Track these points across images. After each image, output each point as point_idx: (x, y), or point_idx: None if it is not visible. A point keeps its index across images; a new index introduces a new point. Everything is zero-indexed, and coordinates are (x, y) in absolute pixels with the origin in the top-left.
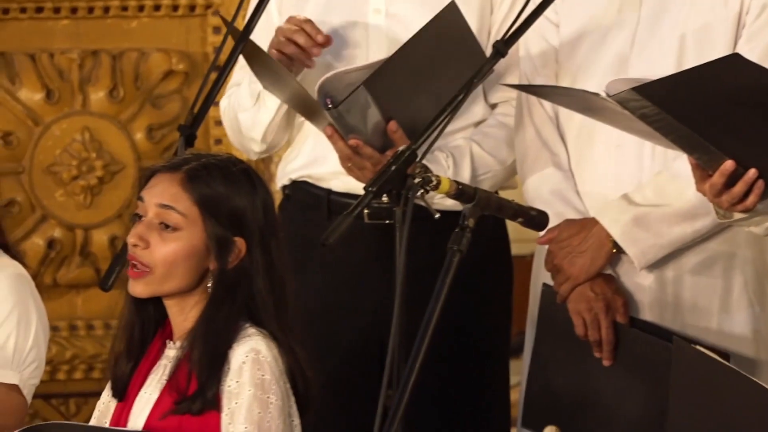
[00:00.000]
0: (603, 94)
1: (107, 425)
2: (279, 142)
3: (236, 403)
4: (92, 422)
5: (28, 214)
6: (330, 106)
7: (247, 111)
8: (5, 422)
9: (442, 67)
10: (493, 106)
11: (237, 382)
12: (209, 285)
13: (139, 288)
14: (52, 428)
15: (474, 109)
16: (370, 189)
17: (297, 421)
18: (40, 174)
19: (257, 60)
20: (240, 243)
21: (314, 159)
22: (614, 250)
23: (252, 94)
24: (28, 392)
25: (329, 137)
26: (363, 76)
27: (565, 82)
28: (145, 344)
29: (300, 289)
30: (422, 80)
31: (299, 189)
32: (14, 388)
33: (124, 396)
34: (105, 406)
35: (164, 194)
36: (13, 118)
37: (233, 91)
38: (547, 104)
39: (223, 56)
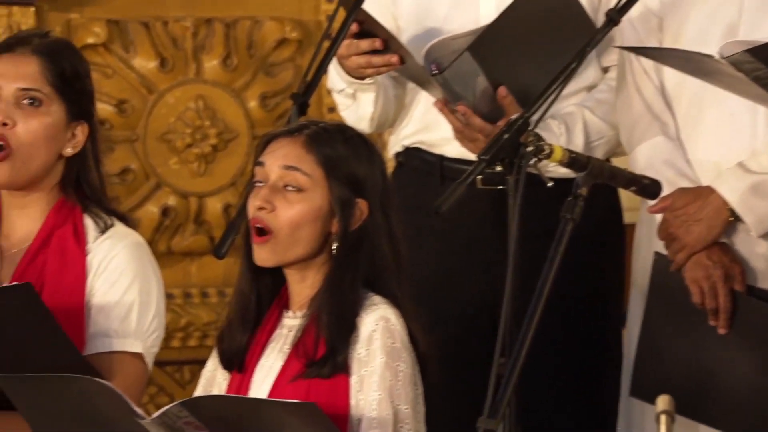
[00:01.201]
0: (717, 56)
1: (217, 392)
2: (392, 119)
3: (366, 370)
4: (198, 390)
5: (142, 182)
6: (436, 71)
7: (349, 109)
8: (130, 391)
9: (546, 32)
10: (605, 70)
11: (367, 349)
12: (333, 248)
13: (264, 254)
14: (211, 401)
15: (586, 74)
16: (483, 157)
17: (421, 389)
18: (154, 142)
19: (369, 29)
20: (362, 204)
21: (426, 125)
22: (731, 219)
23: (347, 96)
24: (149, 360)
25: (440, 110)
26: (469, 42)
27: None
28: (261, 314)
29: (414, 255)
30: (526, 46)
31: (412, 156)
32: (138, 357)
33: (243, 367)
34: (211, 374)
35: (288, 156)
36: (128, 86)
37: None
38: (653, 73)
39: (336, 24)
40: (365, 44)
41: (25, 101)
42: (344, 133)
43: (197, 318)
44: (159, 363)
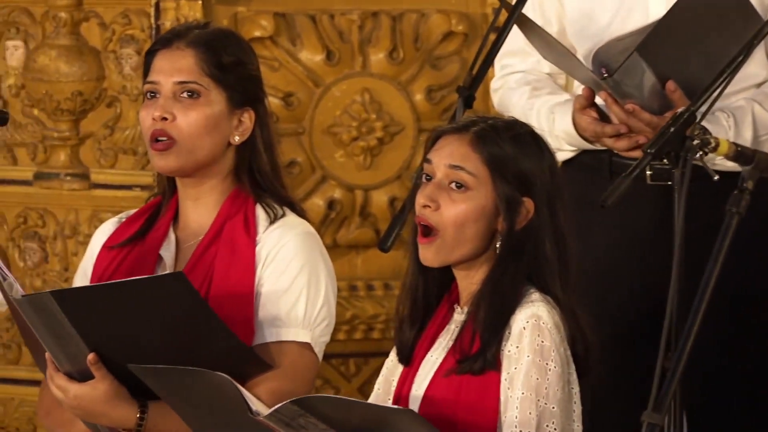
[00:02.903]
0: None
1: (394, 384)
2: None
3: (515, 368)
4: (380, 380)
5: (308, 174)
6: (605, 75)
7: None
8: (298, 380)
9: (712, 26)
10: None
11: (517, 347)
12: (497, 246)
13: (429, 255)
14: (320, 402)
15: (755, 70)
16: (649, 150)
17: (576, 389)
18: (320, 135)
19: (527, 26)
20: (528, 203)
21: None
22: None
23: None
24: (319, 350)
25: (604, 101)
26: (635, 42)
27: None
28: (430, 308)
29: (582, 250)
30: (693, 41)
31: (581, 151)
32: (306, 347)
33: (410, 361)
34: (393, 365)
35: (454, 155)
36: (294, 80)
37: (506, 84)
38: None
39: (502, 17)
40: (609, 129)
41: (183, 94)
42: (513, 130)
43: (363, 311)
44: (324, 356)
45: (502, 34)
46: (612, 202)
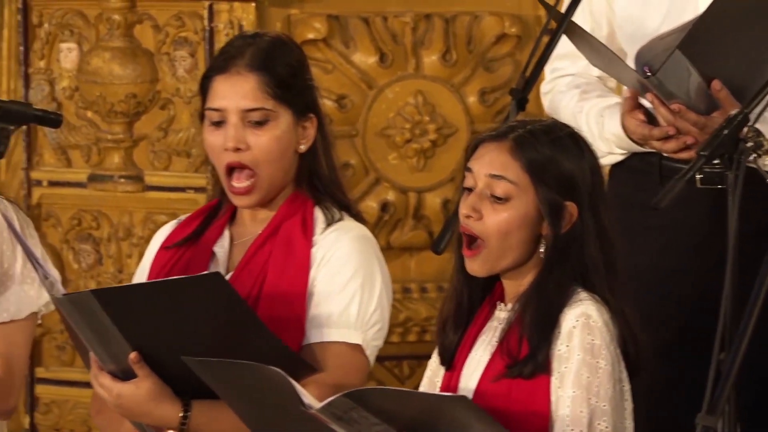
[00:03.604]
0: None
1: (438, 386)
2: None
3: (566, 367)
4: (423, 382)
5: (361, 177)
6: (649, 74)
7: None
8: (348, 382)
9: (755, 22)
10: None
11: (567, 346)
12: (542, 251)
13: (476, 266)
14: (374, 394)
15: None
16: (702, 153)
17: (627, 387)
18: (374, 137)
19: (575, 33)
20: (571, 207)
21: None
22: None
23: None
24: (371, 353)
25: (651, 102)
26: (677, 39)
27: None
28: (473, 311)
29: (631, 253)
30: (736, 37)
31: (631, 154)
32: (358, 349)
33: (452, 364)
34: (436, 366)
35: (494, 164)
36: (347, 82)
37: (556, 87)
38: None
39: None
40: (657, 132)
41: (252, 120)
42: (552, 133)
43: (416, 313)
44: (378, 358)
45: (554, 38)
46: (665, 205)
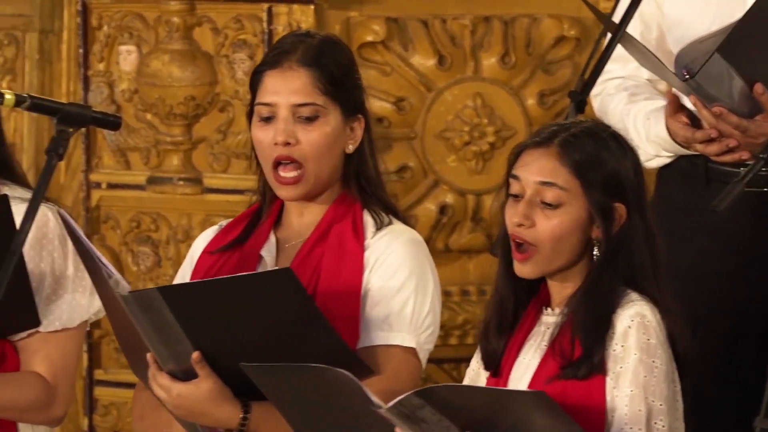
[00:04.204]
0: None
1: None
2: None
3: (621, 367)
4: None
5: (420, 179)
6: (687, 77)
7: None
8: (401, 385)
9: None
10: None
11: (622, 346)
12: (594, 254)
13: (527, 270)
14: (443, 390)
15: None
16: (762, 156)
17: (679, 387)
18: (432, 140)
19: (624, 38)
20: (620, 208)
21: None
22: None
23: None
24: (423, 357)
25: (694, 105)
26: (716, 43)
27: None
28: (518, 316)
29: (678, 255)
30: None
31: (677, 156)
32: (411, 352)
33: (499, 371)
34: (475, 373)
35: (543, 171)
36: (406, 84)
37: (606, 90)
38: None
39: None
40: (700, 135)
41: (302, 116)
42: (595, 134)
43: (475, 316)
44: (437, 360)
45: (615, 36)
46: (724, 207)
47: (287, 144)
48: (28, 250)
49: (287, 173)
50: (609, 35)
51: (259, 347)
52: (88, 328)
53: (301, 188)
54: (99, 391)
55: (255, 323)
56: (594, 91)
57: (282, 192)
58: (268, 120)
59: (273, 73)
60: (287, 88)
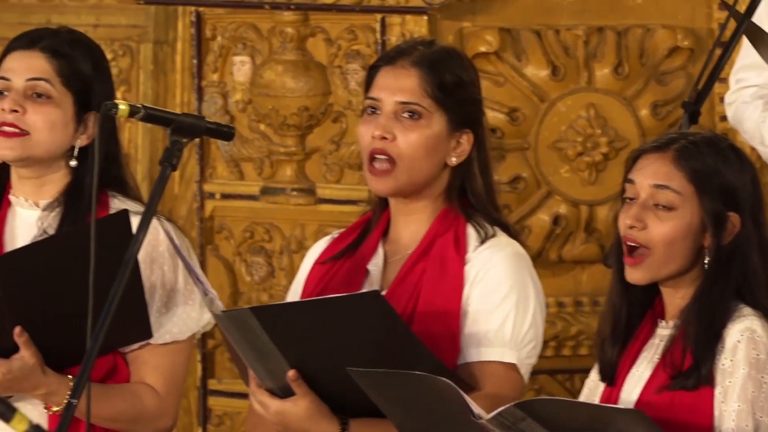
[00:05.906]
0: None
1: (597, 401)
2: None
3: (730, 381)
4: (581, 398)
5: (533, 190)
6: None
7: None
8: (503, 400)
9: None
10: None
11: (731, 360)
12: (705, 262)
13: (638, 275)
14: (545, 404)
15: None
16: None
17: None
18: (546, 150)
19: (760, 40)
20: (734, 218)
21: None
22: None
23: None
24: (525, 371)
25: None
26: None
27: None
28: (632, 327)
29: None
30: None
31: None
32: (512, 367)
33: (614, 380)
34: (594, 384)
35: (657, 174)
36: (519, 95)
37: (740, 98)
38: None
39: (728, 32)
40: None
41: (405, 114)
42: (714, 145)
43: (588, 327)
44: (550, 371)
45: (729, 46)
46: None
47: (383, 138)
48: (139, 263)
49: (380, 165)
50: (731, 39)
51: (355, 365)
52: (199, 338)
53: (391, 182)
54: (212, 401)
55: (348, 343)
56: (728, 99)
57: (372, 184)
58: (372, 114)
59: (386, 69)
60: (395, 86)
